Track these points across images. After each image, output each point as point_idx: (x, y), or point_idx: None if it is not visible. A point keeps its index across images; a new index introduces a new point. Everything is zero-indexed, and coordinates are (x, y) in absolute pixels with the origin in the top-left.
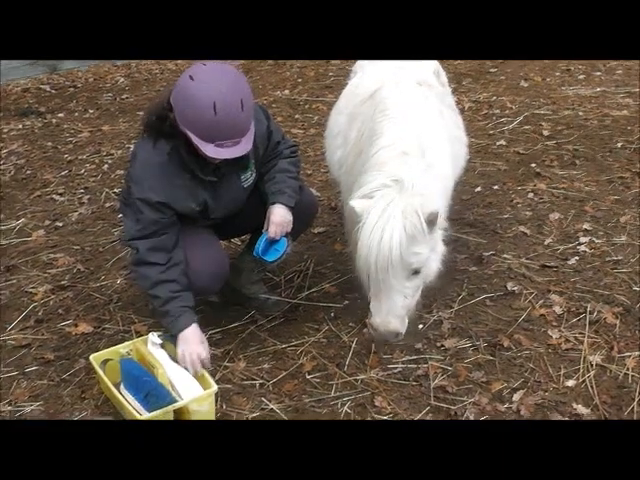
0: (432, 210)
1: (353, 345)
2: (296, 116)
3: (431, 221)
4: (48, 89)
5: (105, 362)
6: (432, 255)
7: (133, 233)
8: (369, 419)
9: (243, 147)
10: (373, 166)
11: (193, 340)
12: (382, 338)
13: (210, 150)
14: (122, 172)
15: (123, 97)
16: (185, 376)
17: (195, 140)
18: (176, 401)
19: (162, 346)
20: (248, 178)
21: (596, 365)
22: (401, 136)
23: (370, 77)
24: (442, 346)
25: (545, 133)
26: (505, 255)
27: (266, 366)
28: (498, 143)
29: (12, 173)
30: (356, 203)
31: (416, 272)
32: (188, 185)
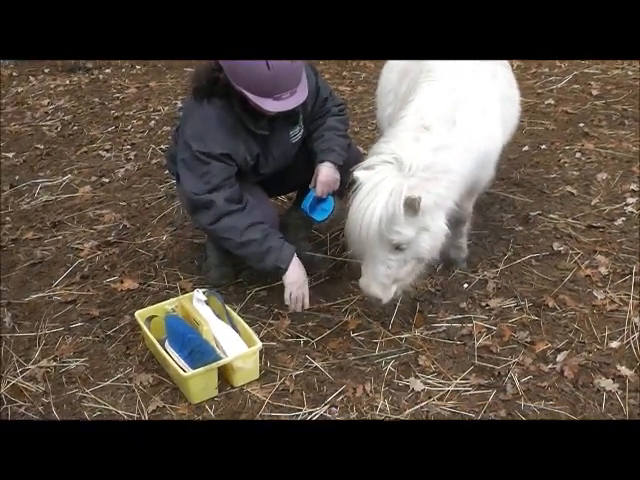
0: (412, 196)
1: (398, 303)
2: (344, 73)
3: (409, 205)
4: None
5: (150, 319)
6: (423, 235)
7: (202, 188)
8: (411, 378)
9: (300, 96)
10: (390, 134)
11: (298, 278)
12: (367, 297)
13: (269, 105)
14: (169, 129)
15: None
16: (230, 333)
17: (253, 98)
18: (220, 358)
19: (207, 303)
20: (297, 134)
21: None
22: (432, 105)
23: None
24: (487, 306)
25: (594, 92)
26: (552, 215)
27: (310, 324)
28: (546, 102)
29: (59, 129)
30: (358, 173)
31: (399, 248)
32: (244, 138)
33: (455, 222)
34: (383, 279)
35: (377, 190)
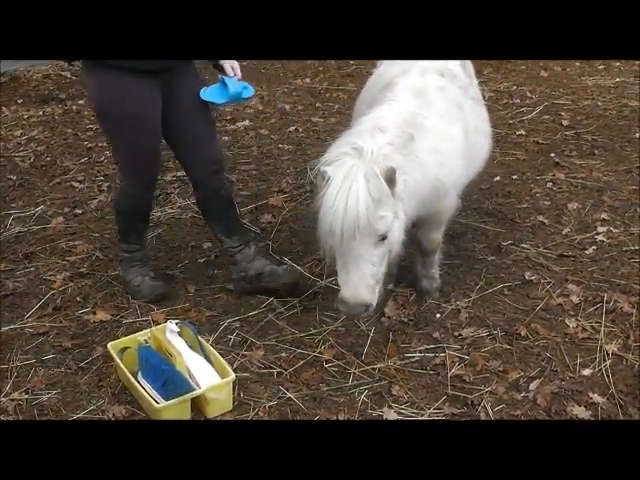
0: (387, 166)
1: (371, 334)
2: (317, 104)
3: (389, 177)
4: (69, 75)
5: (123, 350)
6: (395, 223)
7: None
8: (385, 408)
9: None
10: (344, 136)
11: None
12: (352, 312)
13: None
14: None
15: None
16: (203, 364)
17: None
18: (194, 389)
19: (180, 334)
20: None
21: (612, 354)
22: (387, 115)
23: (394, 66)
24: (460, 335)
25: (564, 123)
26: (523, 244)
27: (284, 354)
28: (518, 132)
29: (32, 160)
30: (323, 168)
31: (383, 238)
32: None
33: (424, 252)
34: (370, 280)
35: (351, 180)
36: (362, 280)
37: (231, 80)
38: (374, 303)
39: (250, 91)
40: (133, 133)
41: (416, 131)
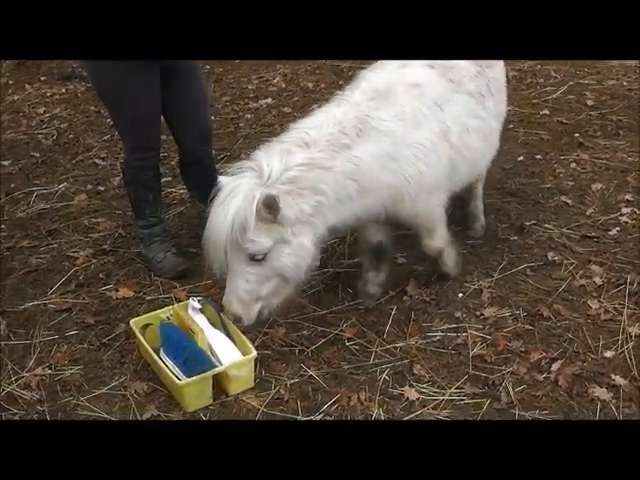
0: (269, 193)
1: (393, 312)
2: (340, 82)
3: (269, 205)
4: None
5: (145, 327)
6: (283, 248)
7: None
8: (406, 387)
9: None
10: (266, 147)
11: None
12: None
13: None
14: (164, 137)
15: None
16: (225, 342)
17: None
18: (215, 366)
19: (202, 311)
20: None
21: (635, 336)
22: (320, 125)
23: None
24: (481, 315)
25: (589, 103)
26: (546, 225)
27: (306, 332)
28: (542, 112)
29: (55, 137)
30: (220, 178)
31: (256, 259)
32: None
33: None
34: (242, 294)
35: (233, 195)
36: (234, 292)
37: None
38: (245, 318)
39: None
40: (133, 104)
41: (361, 136)
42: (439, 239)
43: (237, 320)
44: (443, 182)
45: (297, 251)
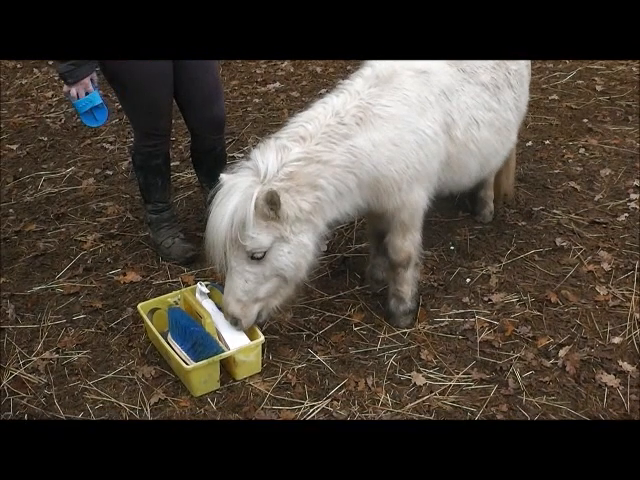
0: (270, 189)
1: None
2: (348, 67)
3: (270, 201)
4: None
5: (153, 311)
6: (282, 246)
7: None
8: (413, 372)
9: None
10: (271, 141)
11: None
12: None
13: None
14: (173, 121)
15: None
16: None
17: None
18: (223, 351)
19: (210, 296)
20: None
21: None
22: (316, 117)
23: None
24: (489, 300)
25: (598, 88)
26: (555, 210)
27: (313, 317)
28: (550, 97)
29: (63, 121)
30: (222, 175)
31: (255, 257)
32: None
33: (392, 265)
34: (241, 295)
35: (231, 192)
36: (232, 291)
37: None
38: (244, 320)
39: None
40: (145, 89)
41: (361, 124)
42: (410, 243)
43: (234, 322)
44: (434, 176)
45: (297, 249)
